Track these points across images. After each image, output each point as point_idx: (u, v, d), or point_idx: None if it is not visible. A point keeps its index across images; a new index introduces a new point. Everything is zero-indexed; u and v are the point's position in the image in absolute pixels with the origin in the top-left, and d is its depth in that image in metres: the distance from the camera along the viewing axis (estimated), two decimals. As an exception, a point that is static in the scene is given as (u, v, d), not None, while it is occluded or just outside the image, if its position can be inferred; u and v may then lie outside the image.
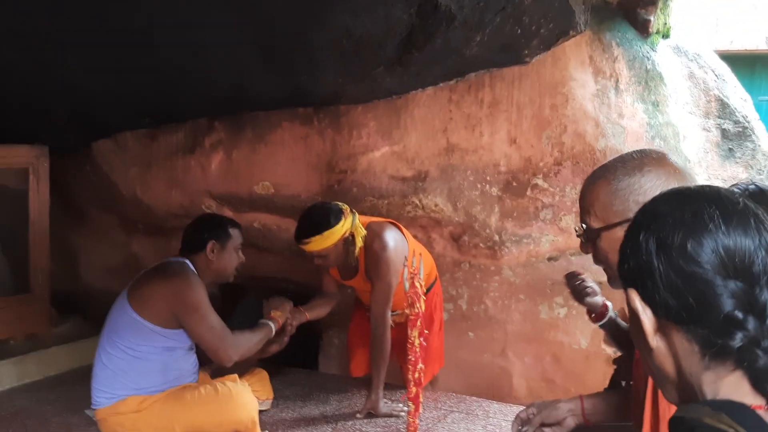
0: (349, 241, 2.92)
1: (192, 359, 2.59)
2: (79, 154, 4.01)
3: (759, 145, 3.96)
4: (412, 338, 2.72)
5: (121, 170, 3.90)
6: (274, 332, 2.77)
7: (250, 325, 2.72)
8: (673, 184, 1.15)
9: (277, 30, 2.18)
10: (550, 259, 3.60)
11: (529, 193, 3.51)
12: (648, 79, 3.48)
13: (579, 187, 3.58)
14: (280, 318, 2.88)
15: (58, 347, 3.61)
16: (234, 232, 2.70)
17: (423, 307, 2.73)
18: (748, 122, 4.06)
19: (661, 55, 3.57)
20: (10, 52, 2.57)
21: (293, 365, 3.80)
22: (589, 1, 2.52)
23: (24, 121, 3.24)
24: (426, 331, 2.77)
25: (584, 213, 1.31)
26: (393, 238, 3.01)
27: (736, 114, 4.05)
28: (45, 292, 3.66)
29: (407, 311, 2.78)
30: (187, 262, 2.53)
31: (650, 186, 1.18)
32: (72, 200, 4.45)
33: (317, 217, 2.87)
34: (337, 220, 2.85)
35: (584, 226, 1.30)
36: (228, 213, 3.79)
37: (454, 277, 3.70)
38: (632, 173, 1.21)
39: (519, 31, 2.37)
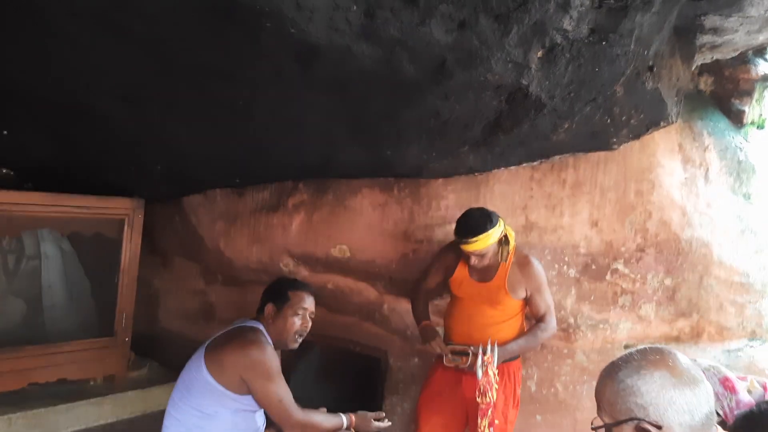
0: (503, 241, 2.97)
1: (261, 418, 2.62)
2: (169, 204, 4.23)
3: None
4: (482, 428, 2.66)
5: (207, 223, 4.07)
6: (344, 427, 2.73)
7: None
8: (668, 386, 1.25)
9: (368, 107, 2.26)
10: (626, 346, 3.47)
11: (608, 277, 3.43)
12: (740, 171, 3.39)
13: (662, 275, 3.49)
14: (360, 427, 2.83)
15: (134, 391, 3.73)
16: (296, 296, 2.57)
17: (495, 397, 2.68)
18: None
19: (756, 146, 3.47)
20: (119, 111, 2.75)
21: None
22: (682, 92, 2.49)
23: (124, 174, 3.45)
24: (496, 422, 2.70)
25: (598, 408, 1.42)
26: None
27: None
28: (126, 337, 3.81)
29: (477, 399, 2.75)
30: (260, 327, 2.52)
31: (646, 389, 1.27)
32: (157, 245, 4.67)
33: (481, 217, 2.93)
34: (497, 220, 2.91)
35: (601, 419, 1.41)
36: (304, 272, 3.88)
37: (525, 357, 3.62)
38: (631, 375, 1.30)
39: (608, 120, 2.37)
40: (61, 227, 3.66)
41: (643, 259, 3.35)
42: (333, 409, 4.19)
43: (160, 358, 4.25)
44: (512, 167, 3.42)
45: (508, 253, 3.01)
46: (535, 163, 3.36)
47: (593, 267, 3.44)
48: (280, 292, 2.57)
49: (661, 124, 2.57)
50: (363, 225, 3.67)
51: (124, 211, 3.72)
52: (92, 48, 2.06)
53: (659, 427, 1.23)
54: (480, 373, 2.81)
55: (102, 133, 2.90)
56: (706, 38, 2.45)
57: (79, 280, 3.77)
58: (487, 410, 2.62)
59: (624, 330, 3.44)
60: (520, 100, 2.12)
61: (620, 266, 3.40)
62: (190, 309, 4.56)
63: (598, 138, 2.62)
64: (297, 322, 2.55)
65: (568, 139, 2.55)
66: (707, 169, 3.33)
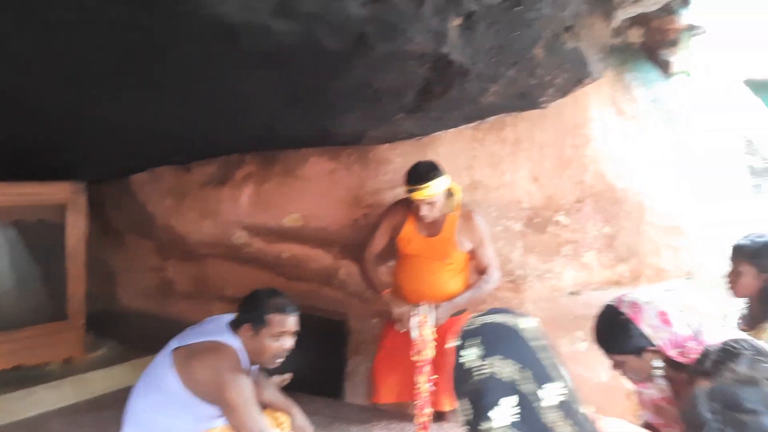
0: (449, 194, 3.08)
1: None
2: (117, 184, 4.21)
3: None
4: (419, 384, 2.78)
5: (156, 200, 4.07)
6: None
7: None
8: None
9: (300, 80, 2.29)
10: (571, 293, 3.64)
11: (551, 229, 3.57)
12: (671, 118, 3.52)
13: (600, 224, 3.64)
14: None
15: (94, 372, 3.76)
16: (274, 320, 2.32)
17: (430, 354, 2.79)
18: (775, 158, 4.05)
19: (685, 93, 3.60)
20: (51, 92, 2.69)
21: (317, 394, 3.88)
22: (606, 48, 2.57)
23: (62, 157, 3.42)
24: (436, 376, 2.81)
25: None
26: None
27: (763, 151, 4.04)
28: (80, 319, 3.84)
29: (414, 357, 2.87)
30: (237, 343, 2.36)
31: None
32: (110, 224, 4.65)
33: (430, 165, 3.04)
34: (444, 172, 3.03)
35: None
36: (259, 243, 3.93)
37: (477, 310, 3.76)
38: None
39: (533, 81, 2.45)
40: (2, 216, 3.63)
41: (582, 210, 3.49)
42: (301, 374, 4.31)
43: (121, 337, 4.28)
44: (454, 129, 3.49)
45: (456, 203, 3.12)
46: (473, 124, 3.44)
47: (536, 220, 3.57)
48: (256, 314, 2.35)
49: (585, 81, 2.66)
50: (313, 193, 3.72)
51: (64, 195, 3.69)
52: (20, 36, 2.04)
53: None
54: (415, 333, 2.92)
55: (37, 116, 2.86)
56: (625, -6, 2.53)
57: (27, 267, 3.75)
58: (422, 367, 2.73)
59: (569, 278, 3.60)
60: (444, 67, 2.18)
61: (562, 218, 3.54)
62: (148, 286, 4.58)
63: (527, 98, 2.70)
64: (275, 345, 2.35)
65: (498, 100, 2.63)
66: (639, 120, 3.45)
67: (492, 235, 3.55)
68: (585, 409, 1.20)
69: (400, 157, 3.55)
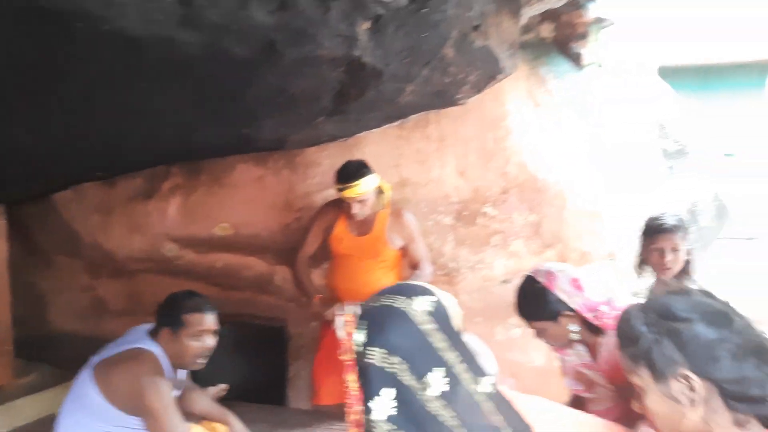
0: (378, 192, 3.12)
1: None
2: (40, 203, 4.07)
3: (695, 163, 4.18)
4: (349, 383, 2.81)
5: (81, 218, 3.96)
6: None
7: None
8: None
9: (212, 89, 2.27)
10: (503, 282, 3.75)
11: (480, 221, 3.67)
12: (585, 108, 3.67)
13: (526, 213, 3.76)
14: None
15: (24, 398, 3.64)
16: (191, 319, 2.34)
17: None
18: (686, 141, 4.27)
19: (597, 83, 3.76)
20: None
21: (260, 402, 3.86)
22: (515, 45, 2.67)
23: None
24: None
25: None
26: None
27: (674, 134, 4.26)
28: (7, 345, 3.70)
29: (341, 357, 2.89)
30: (156, 349, 2.36)
31: None
32: (36, 245, 4.49)
33: (359, 164, 3.07)
34: (373, 171, 3.06)
35: None
36: (190, 255, 3.88)
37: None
38: None
39: (447, 80, 2.52)
40: None
41: (507, 201, 3.60)
42: (243, 383, 4.28)
43: (54, 361, 4.15)
44: (379, 128, 3.54)
45: (386, 201, 3.16)
46: (398, 123, 3.50)
47: (465, 213, 3.67)
48: (173, 316, 2.37)
49: (498, 77, 2.75)
50: (242, 200, 3.70)
51: (-20, 219, 3.57)
52: None
53: None
54: (341, 332, 2.96)
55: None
56: (530, -8, 2.63)
57: (-54, 295, 3.61)
58: (351, 367, 2.75)
59: (500, 266, 3.71)
60: (358, 70, 2.22)
61: (489, 209, 3.64)
62: (79, 306, 4.44)
63: (443, 96, 2.77)
64: (196, 344, 2.36)
65: (415, 99, 2.68)
66: (554, 111, 3.59)
67: (423, 230, 3.62)
68: (494, 388, 1.16)
69: (328, 159, 3.57)
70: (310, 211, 3.61)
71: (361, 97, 2.45)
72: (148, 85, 2.06)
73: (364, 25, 2.00)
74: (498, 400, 1.16)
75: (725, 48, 8.00)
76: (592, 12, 3.58)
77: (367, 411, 1.09)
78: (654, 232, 2.73)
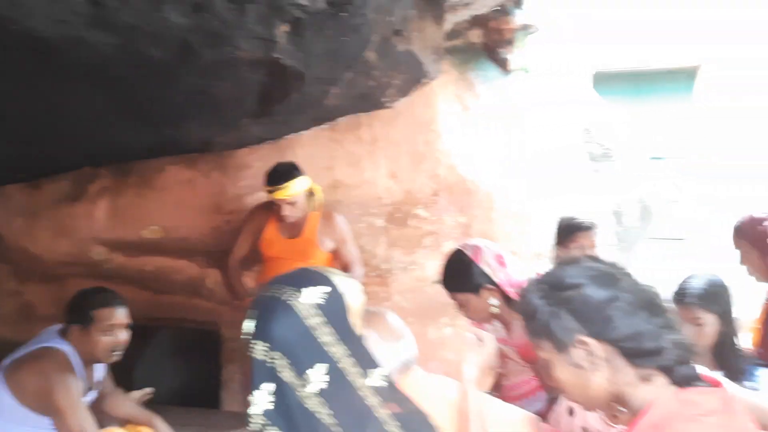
0: (310, 195, 3.13)
1: None
2: (-39, 206, 3.92)
3: (621, 166, 4.35)
4: None
5: (5, 221, 3.84)
6: None
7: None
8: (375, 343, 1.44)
9: (131, 90, 2.25)
10: (435, 282, 3.81)
11: (411, 222, 3.72)
12: (512, 112, 3.78)
13: (456, 214, 3.83)
14: None
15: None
16: (100, 314, 2.34)
17: None
18: (611, 145, 4.44)
19: (524, 88, 3.87)
20: None
21: (193, 405, 3.82)
22: (440, 50, 2.74)
23: None
24: None
25: None
26: None
27: (600, 138, 4.42)
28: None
29: None
30: (66, 347, 2.35)
31: None
32: (-42, 250, 4.33)
33: (289, 166, 3.07)
34: (304, 173, 3.07)
35: None
36: (119, 258, 3.81)
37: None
38: None
39: (372, 83, 2.56)
40: None
41: (438, 203, 3.68)
42: (176, 387, 4.21)
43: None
44: (311, 131, 3.56)
45: (317, 203, 3.18)
46: (330, 126, 3.52)
47: (397, 215, 3.72)
48: (81, 312, 2.35)
49: (424, 81, 2.81)
50: (172, 203, 3.65)
51: None
52: None
53: None
54: None
55: None
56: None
57: None
58: None
59: (432, 267, 3.76)
60: (279, 72, 2.23)
61: (421, 211, 3.70)
62: (6, 312, 4.29)
63: (369, 99, 2.81)
64: (107, 339, 2.36)
65: (341, 102, 2.72)
66: (483, 114, 3.68)
67: (355, 232, 3.65)
68: (386, 380, 1.13)
69: (259, 161, 3.56)
70: (241, 214, 3.60)
71: (285, 98, 2.47)
72: (62, 86, 2.03)
73: (283, 28, 2.02)
74: (390, 391, 1.13)
75: (656, 54, 8.31)
76: (518, 18, 3.69)
77: (249, 404, 1.07)
78: (574, 230, 2.87)
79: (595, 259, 1.27)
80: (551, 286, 1.21)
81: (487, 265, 1.95)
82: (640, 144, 5.67)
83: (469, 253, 1.99)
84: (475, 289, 1.96)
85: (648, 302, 1.16)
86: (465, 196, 3.63)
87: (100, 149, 2.87)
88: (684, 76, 8.83)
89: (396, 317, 1.62)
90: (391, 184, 3.69)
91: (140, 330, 4.44)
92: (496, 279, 1.93)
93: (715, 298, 2.07)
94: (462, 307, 2.05)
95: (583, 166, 4.21)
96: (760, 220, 2.26)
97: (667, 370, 1.13)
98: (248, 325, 1.14)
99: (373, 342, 1.51)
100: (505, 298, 1.96)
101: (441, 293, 3.76)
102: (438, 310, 3.74)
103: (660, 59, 8.46)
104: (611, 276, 1.19)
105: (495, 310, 1.96)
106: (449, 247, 3.78)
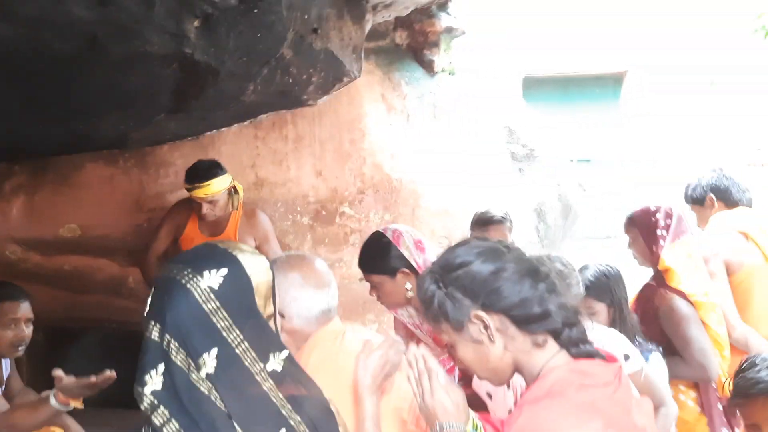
0: (232, 193, 3.09)
1: None
2: None
3: (545, 166, 4.50)
4: None
5: None
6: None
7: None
8: (297, 285, 1.52)
9: (37, 84, 2.19)
10: (361, 279, 3.85)
11: (338, 220, 3.76)
12: (436, 113, 3.86)
13: (381, 212, 3.88)
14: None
15: None
16: (3, 308, 2.34)
17: None
18: (534, 145, 4.59)
19: (449, 89, 3.97)
20: None
21: (116, 406, 3.73)
22: (359, 49, 2.78)
23: None
24: None
25: None
26: None
27: (523, 139, 4.56)
28: None
29: None
30: None
31: (278, 285, 1.30)
32: None
33: (211, 164, 3.05)
34: (225, 171, 3.04)
35: None
36: (36, 258, 3.69)
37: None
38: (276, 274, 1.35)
39: (290, 80, 2.57)
40: None
41: (364, 201, 3.73)
42: (105, 388, 4.09)
43: None
44: (235, 126, 3.54)
45: (239, 202, 3.16)
46: (253, 123, 3.51)
47: (323, 213, 3.75)
48: None
49: (344, 80, 2.84)
50: (91, 201, 3.56)
51: None
52: None
53: (282, 316, 1.45)
54: None
55: None
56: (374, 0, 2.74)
57: None
58: None
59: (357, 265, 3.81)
60: (191, 67, 2.22)
61: (346, 209, 3.74)
62: None
63: (289, 96, 2.82)
64: (9, 334, 2.35)
65: (260, 99, 2.71)
66: (408, 114, 3.76)
67: (280, 230, 3.66)
68: (286, 364, 1.12)
69: (181, 158, 3.53)
70: (162, 212, 3.55)
71: (200, 94, 2.45)
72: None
73: (194, 23, 2.01)
74: (291, 374, 1.13)
75: (584, 60, 8.60)
76: (444, 21, 3.78)
77: (138, 382, 1.06)
78: (486, 223, 2.99)
79: (484, 238, 1.32)
80: (443, 269, 1.25)
81: (406, 248, 1.97)
82: (566, 146, 5.87)
83: (389, 235, 2.02)
84: (392, 271, 1.97)
85: (532, 270, 1.22)
86: (390, 194, 3.70)
87: (8, 144, 2.78)
88: (612, 81, 9.17)
89: (324, 264, 1.62)
90: (316, 182, 3.72)
91: (62, 332, 4.36)
92: (413, 263, 1.95)
93: (605, 287, 2.18)
94: (376, 289, 2.05)
95: (506, 165, 4.34)
96: (653, 212, 2.41)
97: (555, 334, 1.19)
98: (148, 303, 1.14)
99: (296, 285, 1.52)
100: None
101: (366, 290, 3.84)
102: (363, 306, 3.79)
103: (588, 65, 8.78)
104: (497, 250, 1.24)
105: (410, 294, 1.96)
106: (375, 244, 3.88)
